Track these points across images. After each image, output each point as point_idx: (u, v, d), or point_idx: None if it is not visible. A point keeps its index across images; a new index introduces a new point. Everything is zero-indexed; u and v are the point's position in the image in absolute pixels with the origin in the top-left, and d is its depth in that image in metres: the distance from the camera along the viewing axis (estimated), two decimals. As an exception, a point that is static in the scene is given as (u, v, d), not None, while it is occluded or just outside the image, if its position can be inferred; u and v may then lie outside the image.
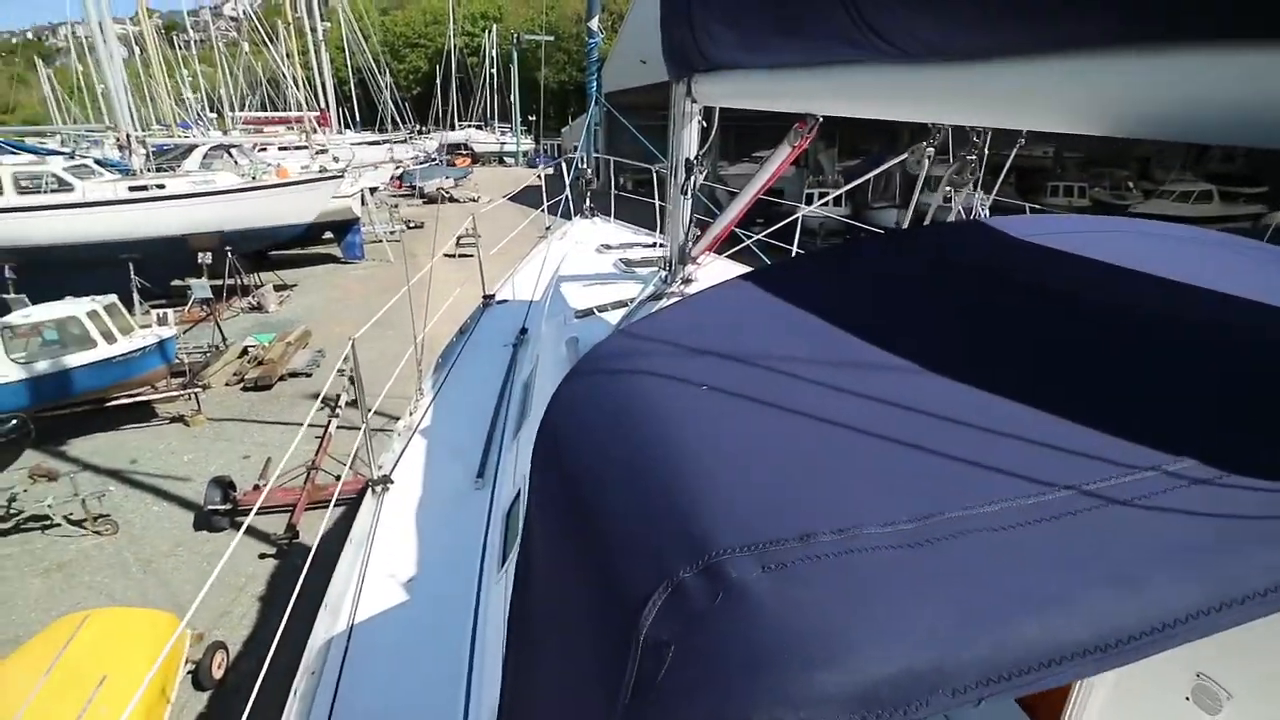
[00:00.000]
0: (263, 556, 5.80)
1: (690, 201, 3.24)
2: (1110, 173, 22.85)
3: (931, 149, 1.80)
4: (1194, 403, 0.88)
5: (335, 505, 6.38)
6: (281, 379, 9.46)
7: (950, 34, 1.11)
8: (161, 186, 12.84)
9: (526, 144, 50.34)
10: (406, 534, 2.43)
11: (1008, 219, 1.80)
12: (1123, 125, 0.83)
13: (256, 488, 6.54)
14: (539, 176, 7.03)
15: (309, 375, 9.66)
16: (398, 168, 26.72)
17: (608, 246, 4.63)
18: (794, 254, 4.18)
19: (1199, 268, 1.39)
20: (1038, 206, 8.54)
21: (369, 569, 2.24)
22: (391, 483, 2.75)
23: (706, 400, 0.83)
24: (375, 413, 8.69)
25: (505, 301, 4.88)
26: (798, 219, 4.78)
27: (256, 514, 6.56)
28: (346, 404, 8.38)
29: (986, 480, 0.71)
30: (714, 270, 3.45)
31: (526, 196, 32.63)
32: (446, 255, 17.81)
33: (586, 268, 4.06)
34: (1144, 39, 0.75)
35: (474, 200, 30.29)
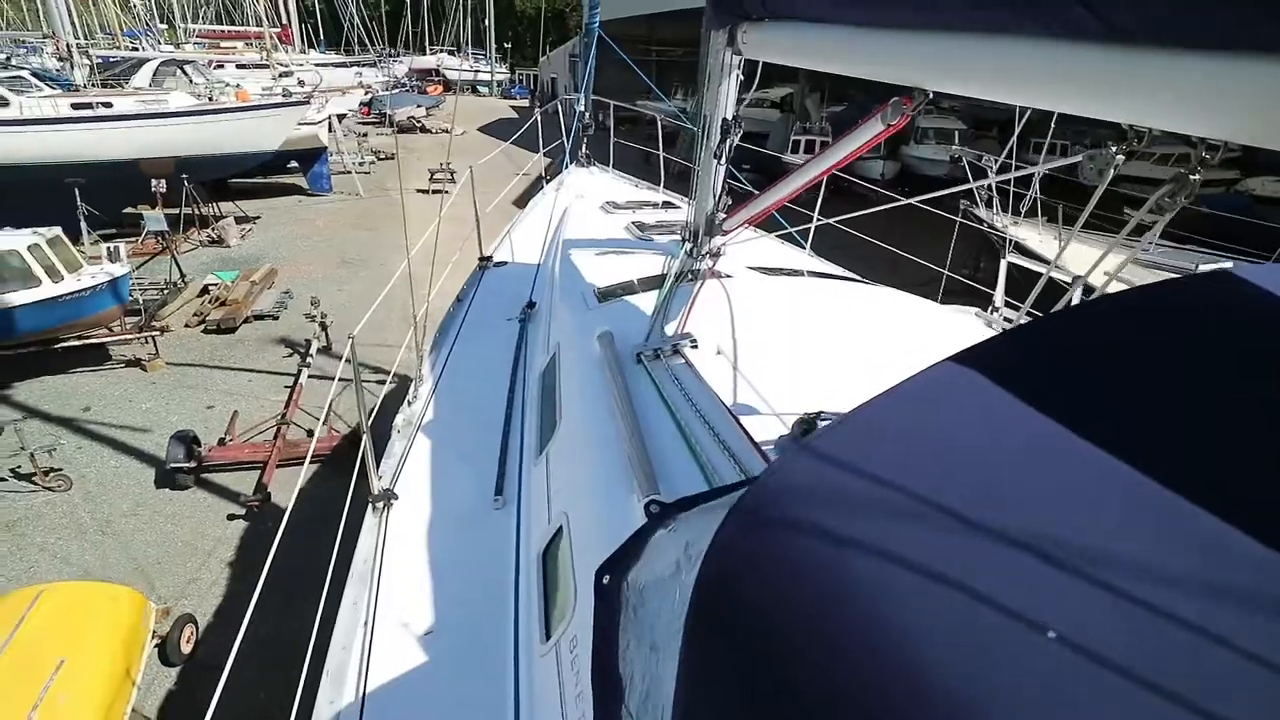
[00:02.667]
0: (231, 518, 5.47)
1: (724, 168, 2.88)
2: (1091, 132, 22.69)
3: (1122, 156, 1.46)
4: None
5: (310, 463, 6.05)
6: (246, 321, 8.92)
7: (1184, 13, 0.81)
8: (109, 105, 11.77)
9: (501, 73, 48.05)
10: (418, 570, 2.12)
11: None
12: None
13: (223, 443, 6.15)
14: (537, 113, 6.29)
15: (276, 318, 9.12)
16: (367, 93, 25.22)
17: (614, 205, 4.23)
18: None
19: None
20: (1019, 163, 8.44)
21: (376, 621, 1.94)
22: (395, 498, 2.43)
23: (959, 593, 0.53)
24: (360, 364, 8.21)
25: (505, 264, 4.46)
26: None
27: (223, 471, 6.26)
28: (318, 351, 7.92)
29: None
30: (745, 250, 3.13)
31: (503, 129, 31.37)
32: (419, 190, 17.01)
33: (594, 230, 3.69)
34: None
35: (447, 131, 28.92)
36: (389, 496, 2.42)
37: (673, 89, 24.84)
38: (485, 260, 4.56)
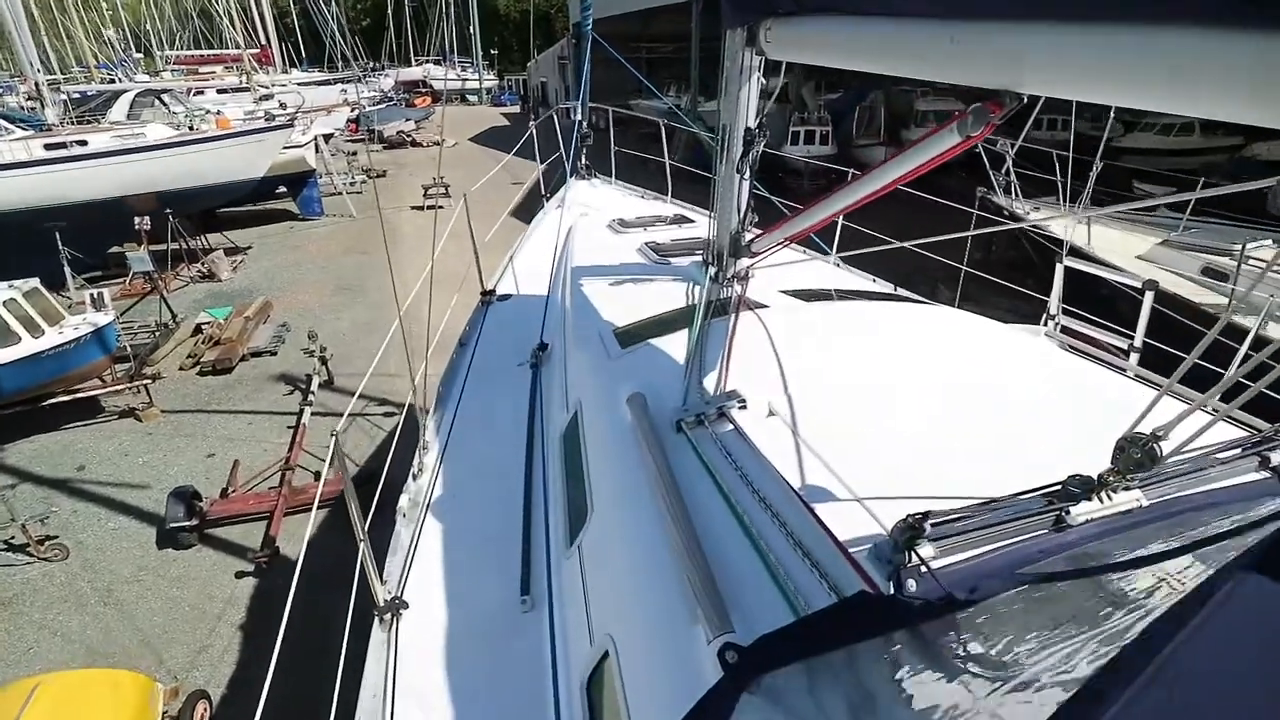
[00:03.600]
0: (240, 575, 5.16)
1: (749, 182, 2.56)
2: (1092, 108, 22.28)
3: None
4: None
5: (318, 508, 5.73)
6: (243, 359, 8.61)
7: None
8: (83, 143, 11.44)
9: (489, 80, 47.67)
10: (439, 699, 1.79)
11: None
12: None
13: (225, 494, 5.84)
14: (533, 126, 5.85)
15: (274, 354, 8.81)
16: (353, 110, 24.87)
17: (624, 224, 3.89)
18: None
19: None
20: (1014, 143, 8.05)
21: None
22: (405, 606, 2.09)
23: None
24: (359, 395, 7.89)
25: (509, 297, 4.12)
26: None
27: (228, 524, 5.95)
28: (319, 386, 7.61)
29: None
30: (774, 274, 2.80)
31: (495, 138, 31.04)
32: (414, 208, 16.70)
33: (604, 253, 3.36)
34: None
35: (439, 144, 28.57)
36: (397, 606, 2.08)
37: (665, 87, 24.37)
38: (488, 295, 4.20)
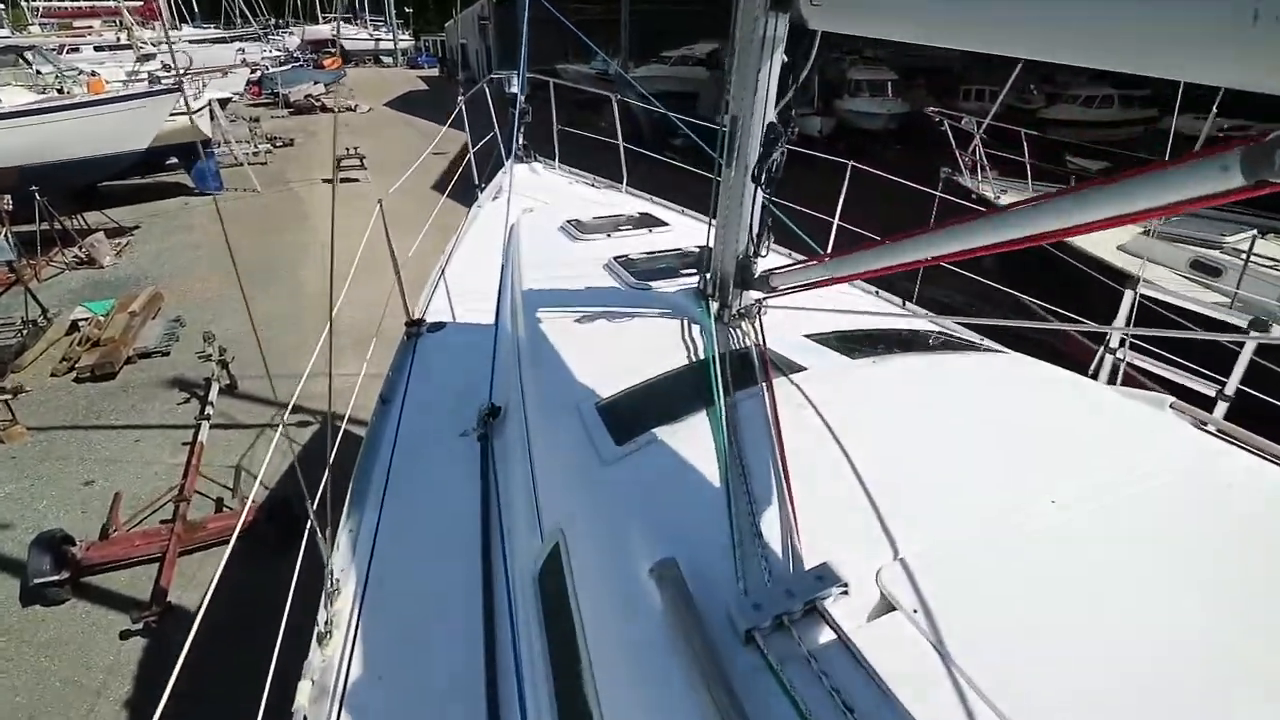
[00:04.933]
0: (126, 636, 4.37)
1: (761, 194, 2.02)
2: (1032, 74, 22.71)
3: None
4: None
5: (226, 544, 4.95)
6: (129, 361, 7.53)
7: None
8: (-77, 107, 9.78)
9: (405, 40, 44.86)
10: None
11: None
12: None
13: (105, 534, 4.97)
14: (461, 102, 4.94)
15: (165, 354, 7.75)
16: (254, 71, 22.72)
17: (580, 227, 3.21)
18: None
19: None
20: (952, 113, 7.69)
21: None
22: None
23: None
24: (268, 403, 6.95)
25: (442, 327, 3.39)
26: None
27: (111, 569, 5.10)
28: (219, 393, 6.69)
29: None
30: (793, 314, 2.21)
31: (413, 104, 29.22)
32: (325, 180, 15.36)
33: (562, 271, 2.68)
34: None
35: (351, 109, 26.62)
36: None
37: (593, 53, 23.19)
38: (415, 325, 3.41)
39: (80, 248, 10.45)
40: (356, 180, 15.18)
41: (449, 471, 2.43)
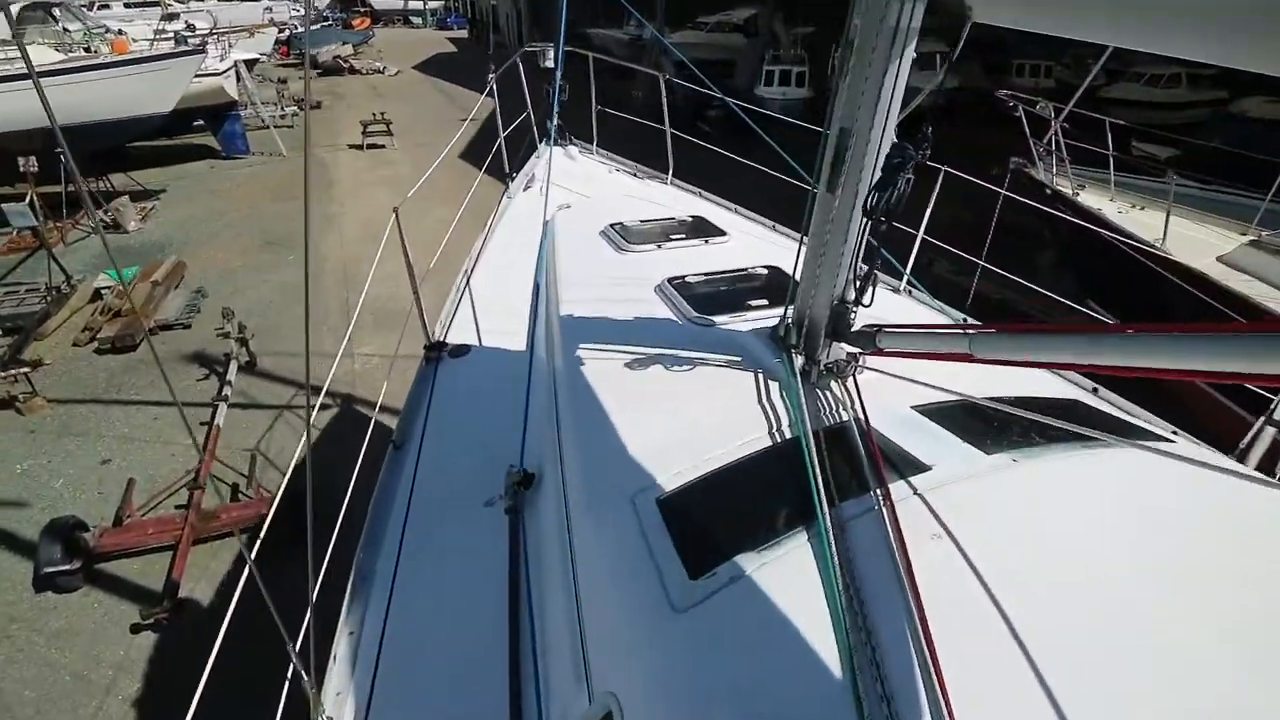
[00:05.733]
0: (137, 630, 4.24)
1: (868, 228, 1.64)
2: (1074, 53, 21.35)
3: None
4: None
5: (243, 532, 4.80)
6: (150, 333, 7.39)
7: None
8: (-52, 65, 9.62)
9: (434, 1, 44.05)
10: None
11: None
12: None
13: (119, 522, 4.83)
14: (492, 80, 4.38)
15: (186, 327, 7.60)
16: (282, 31, 22.37)
17: (625, 234, 2.77)
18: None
19: None
20: (1026, 96, 6.83)
21: None
22: None
23: None
24: (289, 383, 6.71)
25: (467, 352, 2.99)
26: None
27: (125, 557, 4.98)
28: (238, 371, 6.53)
29: None
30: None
31: (442, 66, 28.68)
32: (352, 146, 15.09)
33: (607, 292, 2.29)
34: None
35: (379, 71, 26.19)
36: None
37: (625, 18, 22.23)
38: (436, 349, 3.00)
39: (105, 211, 10.33)
40: (383, 147, 14.87)
41: (471, 555, 2.03)
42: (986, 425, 1.63)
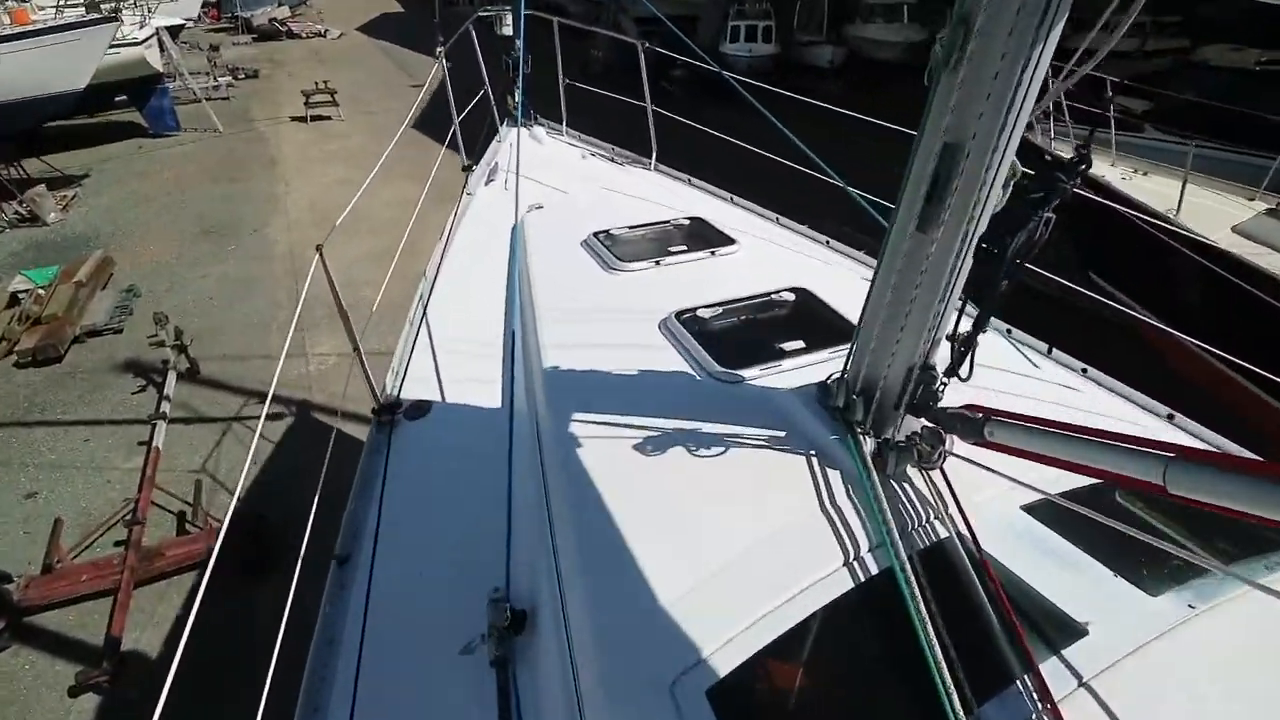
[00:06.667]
0: (75, 693, 3.76)
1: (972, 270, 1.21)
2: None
3: None
4: None
5: (192, 570, 4.31)
6: (76, 341, 6.70)
7: None
8: None
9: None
10: None
11: None
12: None
13: (49, 570, 4.30)
14: (444, 64, 3.64)
15: (118, 332, 6.91)
16: (208, -7, 20.74)
17: (612, 245, 2.26)
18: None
19: None
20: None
21: None
22: None
23: None
24: (236, 390, 6.06)
25: (427, 410, 2.26)
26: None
27: (59, 606, 4.46)
28: (177, 380, 5.93)
29: None
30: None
31: (390, 27, 27.05)
32: (295, 119, 14.07)
33: (596, 331, 1.81)
34: None
35: (321, 35, 24.58)
36: None
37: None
38: (390, 409, 2.29)
39: (20, 202, 9.37)
40: (328, 118, 13.89)
41: (445, 699, 1.49)
42: (1120, 535, 1.17)
